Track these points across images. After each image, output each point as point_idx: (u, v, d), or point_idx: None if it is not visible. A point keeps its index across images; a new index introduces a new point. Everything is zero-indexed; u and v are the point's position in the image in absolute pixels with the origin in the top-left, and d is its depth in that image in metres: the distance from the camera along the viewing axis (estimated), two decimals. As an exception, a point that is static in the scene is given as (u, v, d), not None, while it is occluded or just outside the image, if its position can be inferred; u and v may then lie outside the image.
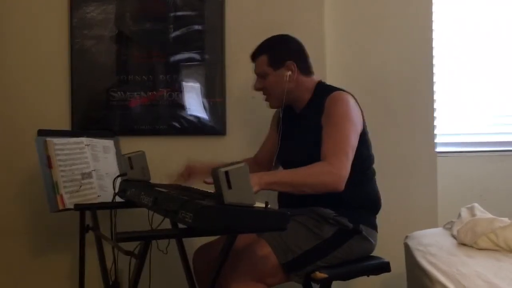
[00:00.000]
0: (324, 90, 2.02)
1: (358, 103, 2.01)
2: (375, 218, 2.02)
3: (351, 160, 1.83)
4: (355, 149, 1.88)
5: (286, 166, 2.11)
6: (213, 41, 2.51)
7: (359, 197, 1.94)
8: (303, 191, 1.79)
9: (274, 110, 2.22)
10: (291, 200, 1.93)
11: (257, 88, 2.10)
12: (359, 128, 1.94)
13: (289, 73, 2.01)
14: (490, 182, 2.79)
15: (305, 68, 2.06)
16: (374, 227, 2.00)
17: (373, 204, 2.02)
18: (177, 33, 2.51)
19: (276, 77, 2.03)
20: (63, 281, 2.50)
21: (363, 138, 1.97)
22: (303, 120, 2.04)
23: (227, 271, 1.72)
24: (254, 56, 2.08)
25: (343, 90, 2.01)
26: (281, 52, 2.04)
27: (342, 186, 1.78)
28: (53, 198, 2.08)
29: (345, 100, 1.94)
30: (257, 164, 2.22)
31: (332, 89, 2.02)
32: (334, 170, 1.77)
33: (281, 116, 2.14)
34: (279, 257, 1.79)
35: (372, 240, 1.96)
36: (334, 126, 1.88)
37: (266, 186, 1.72)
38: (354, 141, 1.88)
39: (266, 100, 2.11)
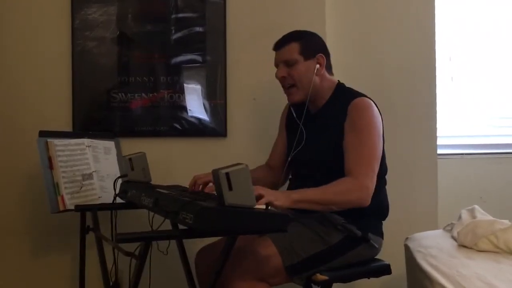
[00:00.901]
0: (345, 93, 1.97)
1: (378, 108, 1.95)
2: (382, 224, 2.00)
3: (376, 173, 1.82)
4: (380, 161, 1.86)
5: (297, 167, 2.04)
6: (214, 43, 2.51)
7: (371, 207, 1.86)
8: (331, 208, 1.78)
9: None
10: None
11: (281, 76, 1.96)
12: (381, 138, 1.91)
13: (318, 66, 1.95)
14: (490, 184, 2.80)
15: (330, 65, 2.02)
16: (381, 234, 1.98)
17: (382, 212, 2.00)
18: (179, 34, 2.51)
19: (305, 67, 1.93)
20: (63, 281, 2.50)
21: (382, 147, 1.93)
22: (320, 120, 1.98)
23: (229, 269, 1.71)
24: (282, 43, 1.97)
25: (365, 96, 1.94)
26: (313, 43, 1.98)
27: (368, 202, 1.78)
28: (54, 199, 2.08)
29: (370, 108, 1.88)
30: (271, 169, 2.17)
31: (354, 93, 1.95)
32: (362, 188, 1.77)
33: (294, 114, 2.06)
34: (283, 259, 1.78)
35: (378, 247, 1.95)
36: (360, 137, 1.83)
37: (294, 204, 1.69)
38: (379, 153, 1.87)
39: (287, 92, 2.00)
